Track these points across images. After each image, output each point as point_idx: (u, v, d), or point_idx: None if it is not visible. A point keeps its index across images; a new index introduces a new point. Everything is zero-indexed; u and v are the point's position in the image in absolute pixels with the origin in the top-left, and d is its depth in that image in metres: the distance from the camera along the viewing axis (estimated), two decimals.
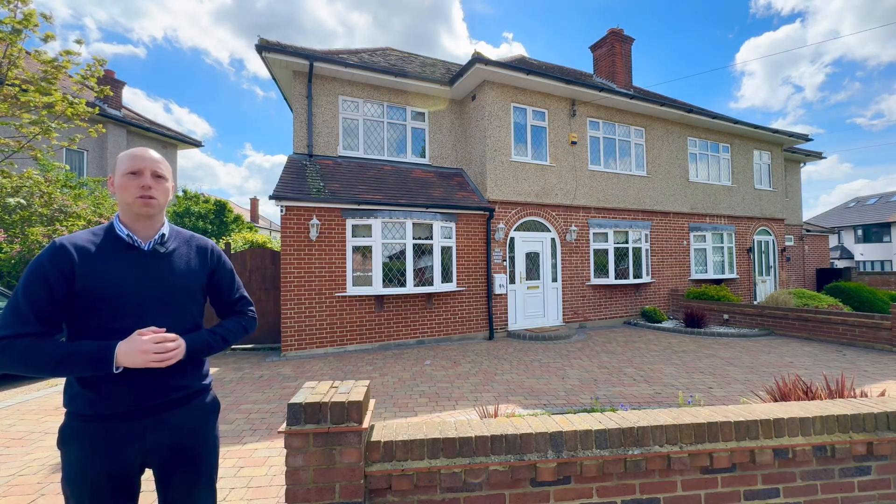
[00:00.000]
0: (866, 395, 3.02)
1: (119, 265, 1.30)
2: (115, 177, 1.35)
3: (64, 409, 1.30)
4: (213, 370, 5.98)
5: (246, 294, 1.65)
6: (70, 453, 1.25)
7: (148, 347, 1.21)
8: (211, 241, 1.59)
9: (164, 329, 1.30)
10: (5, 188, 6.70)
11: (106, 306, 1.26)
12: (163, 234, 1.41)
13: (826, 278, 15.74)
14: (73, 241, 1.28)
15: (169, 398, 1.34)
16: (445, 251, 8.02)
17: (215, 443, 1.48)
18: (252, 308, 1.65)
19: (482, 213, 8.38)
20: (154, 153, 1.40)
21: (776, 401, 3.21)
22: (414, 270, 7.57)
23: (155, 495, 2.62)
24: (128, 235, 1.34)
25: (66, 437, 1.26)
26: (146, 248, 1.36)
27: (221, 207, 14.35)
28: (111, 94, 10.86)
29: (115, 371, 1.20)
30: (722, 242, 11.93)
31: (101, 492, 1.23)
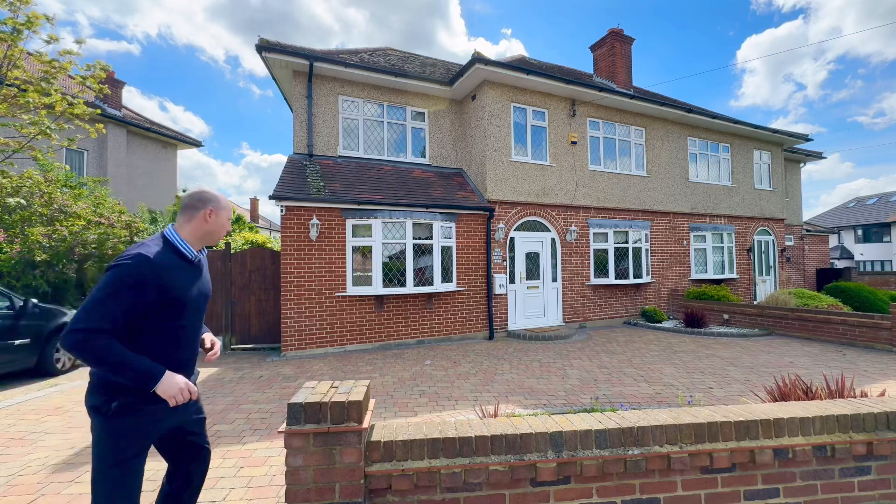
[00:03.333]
0: (866, 395, 3.02)
1: (186, 277, 1.64)
2: (219, 216, 1.71)
3: (88, 401, 1.49)
4: (213, 370, 5.99)
5: None
6: (125, 422, 1.47)
7: (177, 393, 1.50)
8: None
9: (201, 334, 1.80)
10: (5, 188, 6.70)
11: (180, 310, 1.59)
12: (201, 249, 1.76)
13: (826, 278, 15.72)
14: (161, 258, 1.54)
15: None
16: (445, 251, 8.02)
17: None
18: None
19: (482, 213, 8.38)
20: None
21: (776, 401, 3.21)
22: (414, 270, 7.57)
23: (153, 495, 2.63)
24: (192, 254, 1.66)
25: (124, 409, 1.46)
26: (195, 261, 1.69)
27: None
28: (109, 93, 10.87)
29: (149, 392, 1.47)
30: (722, 242, 11.93)
31: (140, 456, 1.52)
